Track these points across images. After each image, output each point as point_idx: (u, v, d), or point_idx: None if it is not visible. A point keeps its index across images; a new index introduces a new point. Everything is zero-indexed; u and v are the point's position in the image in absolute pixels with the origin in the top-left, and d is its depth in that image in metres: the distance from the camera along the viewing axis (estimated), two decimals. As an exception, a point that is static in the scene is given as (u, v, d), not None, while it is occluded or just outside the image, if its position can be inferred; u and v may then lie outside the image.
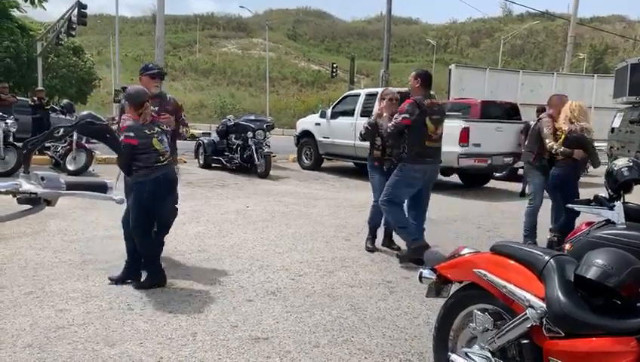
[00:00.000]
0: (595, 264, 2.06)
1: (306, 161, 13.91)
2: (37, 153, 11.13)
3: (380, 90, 12.74)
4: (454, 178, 12.00)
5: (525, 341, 2.19)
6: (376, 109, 6.42)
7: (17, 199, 1.55)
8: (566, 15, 32.29)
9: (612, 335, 1.93)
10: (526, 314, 2.13)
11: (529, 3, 59.10)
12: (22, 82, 27.18)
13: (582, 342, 1.99)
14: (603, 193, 4.19)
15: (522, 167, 10.53)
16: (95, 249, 5.32)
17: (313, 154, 13.63)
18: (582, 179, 9.78)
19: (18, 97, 14.27)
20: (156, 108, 4.61)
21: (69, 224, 6.28)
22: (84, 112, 5.17)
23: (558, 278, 2.13)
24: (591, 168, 7.04)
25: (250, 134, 11.77)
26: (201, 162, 13.14)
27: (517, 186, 10.84)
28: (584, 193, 5.64)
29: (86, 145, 10.68)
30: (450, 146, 9.84)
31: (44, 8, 25.53)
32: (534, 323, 2.11)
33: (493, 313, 2.37)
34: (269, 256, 5.29)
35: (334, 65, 36.40)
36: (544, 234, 6.01)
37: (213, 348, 3.25)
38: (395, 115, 5.26)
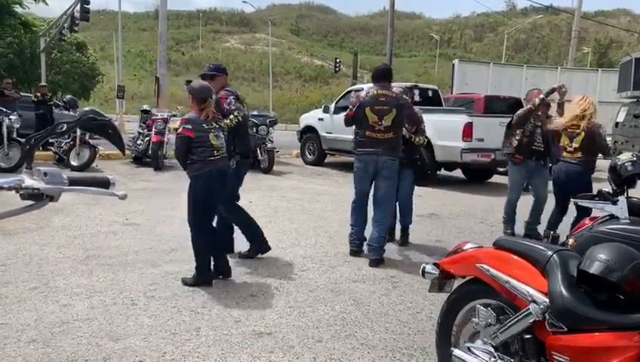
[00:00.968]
0: (598, 259, 2.06)
1: (309, 156, 13.90)
2: (40, 149, 11.17)
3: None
4: (458, 173, 11.98)
5: (528, 336, 2.19)
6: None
7: (20, 195, 1.55)
8: (570, 9, 32.13)
9: (615, 330, 1.93)
10: (529, 309, 2.13)
11: (533, -3, 58.79)
12: (25, 78, 27.20)
13: (585, 337, 1.99)
14: (607, 188, 4.18)
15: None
16: (99, 244, 5.34)
17: (316, 150, 13.62)
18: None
19: (21, 93, 14.28)
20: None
21: (72, 220, 6.31)
22: (87, 108, 5.18)
23: (561, 273, 2.13)
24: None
25: (253, 130, 11.76)
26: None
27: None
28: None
29: (89, 140, 10.71)
30: (453, 141, 9.87)
31: (46, 4, 25.62)
32: (537, 318, 2.11)
33: (496, 308, 2.37)
34: (272, 251, 5.29)
35: (337, 61, 36.32)
36: (544, 227, 5.99)
37: (217, 343, 3.26)
38: None
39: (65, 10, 21.32)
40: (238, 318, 3.65)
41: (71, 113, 13.65)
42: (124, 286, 4.19)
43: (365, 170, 5.24)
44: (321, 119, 13.33)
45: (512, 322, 2.23)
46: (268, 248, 5.08)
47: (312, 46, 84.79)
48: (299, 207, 7.75)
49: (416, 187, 6.08)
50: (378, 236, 5.12)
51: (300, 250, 5.47)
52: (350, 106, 5.32)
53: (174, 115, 12.12)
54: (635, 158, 4.02)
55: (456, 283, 2.70)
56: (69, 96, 16.67)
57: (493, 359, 2.30)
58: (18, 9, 26.64)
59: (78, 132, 10.23)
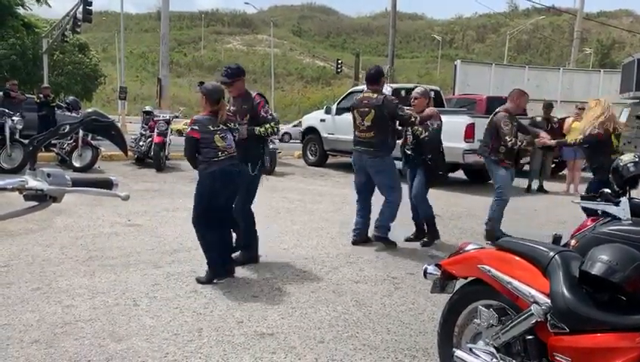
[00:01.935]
0: (600, 260, 2.06)
1: (311, 157, 13.91)
2: (43, 150, 11.18)
3: (384, 86, 12.74)
4: (459, 174, 11.97)
5: (530, 337, 2.19)
6: None
7: (24, 196, 1.56)
8: (572, 10, 32.04)
9: (617, 331, 1.92)
10: (531, 310, 2.13)
11: (535, -2, 58.72)
12: (28, 79, 27.27)
13: (587, 337, 1.98)
14: (608, 189, 4.17)
15: (528, 163, 10.54)
16: (101, 245, 5.35)
17: (318, 151, 13.63)
18: (584, 174, 9.79)
19: (26, 95, 14.30)
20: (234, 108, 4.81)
21: (75, 220, 6.32)
22: (90, 109, 5.21)
23: (563, 274, 2.13)
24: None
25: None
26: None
27: (522, 182, 10.79)
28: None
29: (92, 142, 10.72)
30: (455, 142, 9.85)
31: (49, 5, 25.68)
32: (539, 319, 2.11)
33: (498, 309, 2.37)
34: (274, 252, 5.30)
35: (339, 62, 36.30)
36: (546, 229, 5.99)
37: (219, 344, 3.27)
38: None
39: (67, 12, 21.37)
40: (240, 319, 3.66)
41: (73, 114, 13.67)
42: (126, 286, 4.20)
43: (356, 165, 5.85)
44: (323, 120, 13.33)
45: (514, 323, 2.22)
46: (257, 260, 5.00)
47: (314, 47, 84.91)
48: (300, 208, 7.76)
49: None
50: (363, 221, 5.77)
51: (302, 250, 5.48)
52: None
53: (176, 117, 12.13)
54: (637, 159, 4.01)
55: (458, 284, 2.70)
56: (71, 98, 16.68)
57: (495, 360, 2.30)
58: (21, 10, 26.72)
59: (81, 133, 10.25)
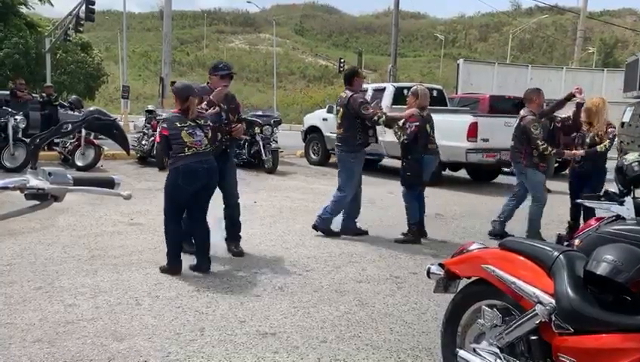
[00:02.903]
0: (605, 260, 2.04)
1: (313, 156, 13.88)
2: (45, 149, 11.20)
3: (387, 85, 12.72)
4: (462, 173, 11.95)
5: (534, 337, 2.18)
6: None
7: (25, 195, 1.55)
8: (575, 9, 32.05)
9: (622, 332, 1.91)
10: (535, 310, 2.12)
11: (538, -4, 58.53)
12: (30, 78, 27.20)
13: (591, 338, 1.97)
14: (613, 188, 4.16)
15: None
16: (103, 244, 5.35)
17: (320, 150, 13.60)
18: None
19: (32, 94, 14.30)
20: (225, 107, 4.99)
21: (77, 219, 6.32)
22: (92, 108, 5.22)
23: (567, 274, 2.12)
24: None
25: (257, 130, 11.77)
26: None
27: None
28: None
29: (94, 140, 10.73)
30: (458, 141, 9.82)
31: (51, 4, 25.65)
32: (543, 320, 2.09)
33: (502, 309, 2.36)
34: (277, 252, 5.29)
35: (342, 61, 36.20)
36: (551, 230, 5.97)
37: (221, 343, 3.26)
38: None
39: (70, 11, 21.35)
40: (242, 318, 3.65)
41: (76, 113, 13.67)
42: (128, 286, 4.20)
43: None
44: (325, 119, 13.31)
45: (518, 323, 2.21)
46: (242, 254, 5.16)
47: (317, 46, 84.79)
48: (303, 207, 7.75)
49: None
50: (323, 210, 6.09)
51: (305, 250, 5.47)
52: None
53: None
54: (641, 159, 3.99)
55: (462, 283, 2.69)
56: (74, 97, 16.69)
57: (498, 360, 2.29)
58: (23, 9, 26.72)
59: (83, 132, 10.25)
